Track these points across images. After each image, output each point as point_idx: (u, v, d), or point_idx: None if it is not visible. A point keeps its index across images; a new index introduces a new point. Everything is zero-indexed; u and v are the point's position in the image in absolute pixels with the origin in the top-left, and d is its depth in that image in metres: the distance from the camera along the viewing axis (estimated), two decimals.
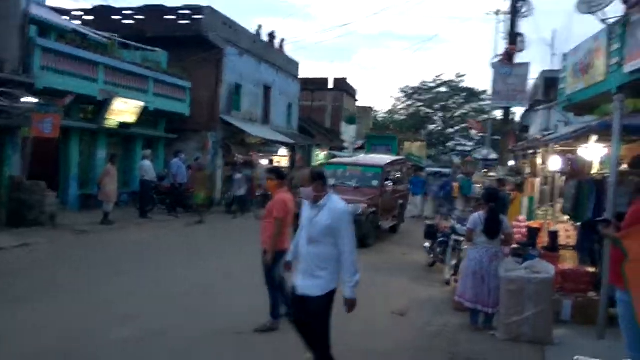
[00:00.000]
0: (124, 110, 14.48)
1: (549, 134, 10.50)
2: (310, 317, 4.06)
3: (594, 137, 6.60)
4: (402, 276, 8.79)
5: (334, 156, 25.05)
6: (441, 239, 8.84)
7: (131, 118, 14.88)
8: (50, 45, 12.33)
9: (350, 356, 5.14)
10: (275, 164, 17.22)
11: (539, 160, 8.95)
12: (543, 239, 7.81)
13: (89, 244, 10.19)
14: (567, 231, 8.20)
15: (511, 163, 13.81)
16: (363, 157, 15.56)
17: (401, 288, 8.02)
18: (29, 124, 10.97)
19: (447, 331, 6.00)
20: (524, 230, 8.13)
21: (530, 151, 9.22)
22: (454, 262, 8.21)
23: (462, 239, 8.22)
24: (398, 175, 14.26)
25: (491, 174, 16.37)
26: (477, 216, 6.10)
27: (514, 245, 6.69)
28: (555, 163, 8.37)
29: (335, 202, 4.00)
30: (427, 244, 9.60)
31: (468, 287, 6.02)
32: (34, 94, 11.44)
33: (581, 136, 6.96)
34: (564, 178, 8.89)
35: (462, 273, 6.24)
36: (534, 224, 8.60)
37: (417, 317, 6.52)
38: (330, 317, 4.08)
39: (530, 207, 9.90)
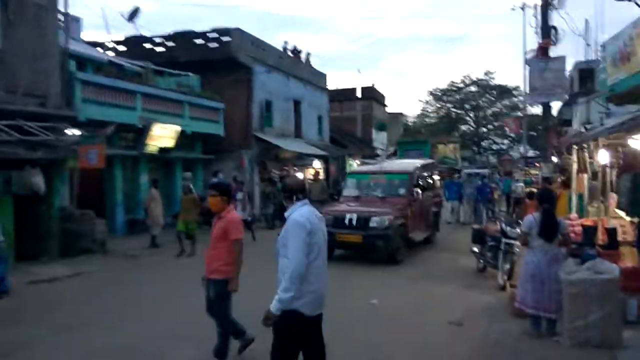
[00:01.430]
0: (162, 135, 14.82)
1: (592, 127, 10.17)
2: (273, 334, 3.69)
3: None
4: (453, 283, 8.62)
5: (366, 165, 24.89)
6: (491, 243, 8.63)
7: (169, 142, 15.20)
8: (89, 78, 12.76)
9: None
10: (318, 176, 16.48)
11: (586, 155, 8.66)
12: (598, 237, 7.51)
13: (140, 268, 10.41)
14: (622, 227, 7.86)
15: (554, 159, 13.39)
16: (388, 164, 14.43)
17: (454, 296, 7.87)
18: (75, 155, 11.33)
19: (507, 339, 5.81)
20: (578, 228, 7.84)
21: (576, 146, 8.92)
22: (507, 266, 8.02)
23: (513, 242, 8.03)
24: (429, 180, 13.17)
25: (533, 171, 15.93)
26: (531, 218, 5.92)
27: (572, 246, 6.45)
28: (604, 156, 8.07)
29: (294, 213, 3.70)
30: (475, 249, 9.40)
31: (528, 292, 5.82)
32: (76, 126, 11.84)
33: (632, 127, 6.70)
34: (615, 172, 8.58)
35: (521, 278, 6.05)
36: (586, 221, 8.29)
37: (475, 326, 6.35)
38: (289, 340, 3.64)
39: (581, 204, 9.57)
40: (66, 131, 11.31)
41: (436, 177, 14.27)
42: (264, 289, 4.36)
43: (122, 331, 6.27)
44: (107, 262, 10.67)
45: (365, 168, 15.09)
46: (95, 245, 11.46)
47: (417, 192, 11.18)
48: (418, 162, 13.45)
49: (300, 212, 3.67)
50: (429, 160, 15.64)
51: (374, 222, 9.98)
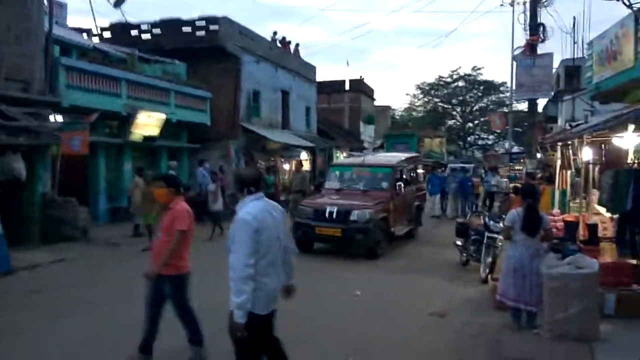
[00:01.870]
0: (147, 123, 14.66)
1: (577, 124, 10.29)
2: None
3: (632, 126, 6.43)
4: (436, 276, 8.69)
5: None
6: (474, 236, 8.71)
7: (155, 131, 15.05)
8: (73, 64, 12.56)
9: None
10: (301, 167, 15.98)
11: (570, 152, 8.77)
12: (579, 233, 7.63)
13: (122, 256, 10.30)
14: (603, 223, 8.00)
15: (539, 156, 13.53)
16: (371, 157, 14.17)
17: (437, 288, 7.93)
18: (58, 142, 11.16)
19: (488, 331, 5.89)
20: (560, 224, 7.95)
21: (561, 143, 9.03)
22: (489, 259, 8.10)
23: (496, 236, 8.11)
24: (412, 174, 13.10)
25: (518, 167, 16.08)
26: (515, 213, 5.98)
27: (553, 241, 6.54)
28: (588, 154, 8.18)
29: (242, 209, 3.53)
30: (459, 242, 9.48)
31: (509, 285, 5.89)
32: (60, 112, 11.66)
33: (616, 125, 6.79)
34: (597, 169, 8.71)
35: (503, 271, 6.11)
36: (568, 217, 8.42)
37: (457, 317, 6.42)
38: (252, 342, 3.53)
39: (563, 200, 9.71)
40: (49, 117, 11.14)
41: (420, 171, 14.39)
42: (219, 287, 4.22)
43: (107, 318, 6.22)
44: (90, 250, 10.56)
45: (348, 160, 14.94)
46: (78, 232, 11.32)
47: (400, 186, 11.07)
48: (402, 156, 13.40)
49: (248, 209, 3.50)
50: (413, 154, 15.42)
51: (354, 216, 9.82)
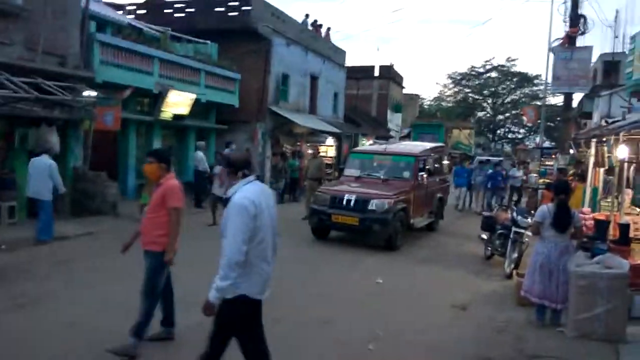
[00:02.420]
0: (177, 102, 14.80)
1: (614, 121, 9.97)
2: (215, 319, 3.48)
3: None
4: (459, 269, 8.62)
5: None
6: (501, 231, 8.59)
7: (184, 110, 15.19)
8: (108, 40, 12.70)
9: (411, 351, 5.11)
10: (318, 153, 15.00)
11: (605, 149, 8.52)
12: (609, 232, 7.44)
13: None
14: (635, 223, 7.78)
15: (572, 151, 13.20)
16: (394, 145, 13.58)
17: (460, 281, 7.87)
18: (91, 117, 11.37)
19: (511, 327, 5.84)
20: (590, 222, 7.77)
21: (595, 139, 8.77)
22: (515, 255, 7.98)
23: (523, 231, 7.99)
24: (436, 165, 12.60)
25: (549, 162, 15.69)
26: (545, 208, 5.89)
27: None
28: (623, 151, 7.94)
29: (237, 194, 3.39)
30: (484, 236, 9.37)
31: (535, 281, 5.82)
32: (93, 87, 11.85)
33: None
34: (632, 168, 8.46)
35: (529, 267, 6.03)
36: (599, 216, 8.21)
37: (479, 311, 6.37)
38: (234, 327, 3.49)
39: (594, 198, 9.46)
40: (83, 92, 11.33)
41: (446, 162, 14.09)
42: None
43: (133, 289, 6.36)
44: (118, 224, 10.77)
45: (369, 148, 14.26)
46: (107, 206, 11.58)
47: (422, 176, 10.74)
48: (426, 145, 13.02)
49: (244, 193, 3.36)
50: (438, 144, 14.96)
51: (372, 205, 9.52)
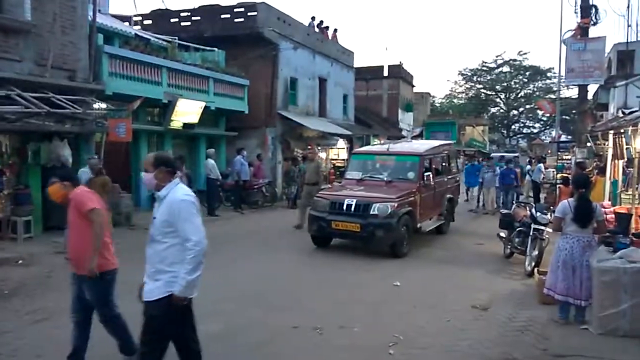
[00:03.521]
0: (187, 111, 14.83)
1: (631, 112, 9.74)
2: (145, 323, 3.51)
3: None
4: (479, 268, 8.46)
5: None
6: (520, 228, 8.41)
7: (194, 118, 15.22)
8: (116, 52, 12.77)
9: (432, 354, 4.98)
10: (314, 155, 14.01)
11: (623, 140, 8.32)
12: (631, 225, 7.24)
13: None
14: None
15: (589, 144, 12.93)
16: (398, 145, 12.76)
17: (480, 281, 7.72)
18: (102, 129, 11.42)
19: (534, 326, 5.69)
20: (611, 216, 7.58)
21: (613, 131, 8.57)
22: (535, 252, 7.81)
23: (543, 228, 7.82)
24: (443, 163, 11.98)
25: (566, 156, 15.38)
26: (566, 203, 5.75)
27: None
28: None
29: (175, 193, 3.42)
30: (502, 234, 9.19)
31: (558, 278, 5.69)
32: (103, 99, 11.91)
33: None
34: None
35: (552, 264, 5.89)
36: (620, 209, 8.01)
37: (501, 311, 6.22)
38: (167, 328, 3.52)
39: (615, 192, 9.25)
40: (94, 105, 11.40)
41: (460, 160, 13.49)
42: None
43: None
44: (133, 235, 10.79)
45: (371, 148, 13.43)
46: (121, 218, 11.61)
47: (428, 177, 10.08)
48: (432, 143, 12.45)
49: (184, 191, 3.47)
50: (446, 142, 14.19)
51: (375, 209, 8.93)
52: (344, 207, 9.16)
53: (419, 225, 9.98)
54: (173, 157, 3.67)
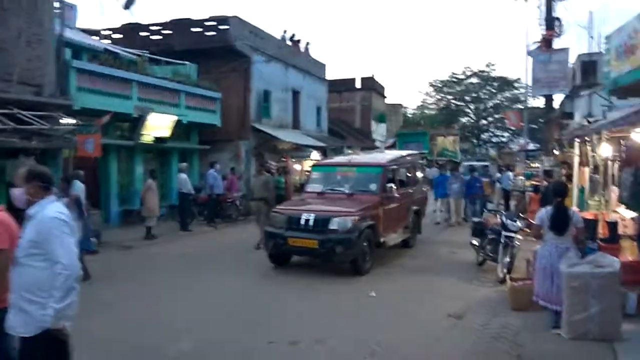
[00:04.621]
0: (158, 125, 14.67)
1: (595, 120, 10.06)
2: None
3: None
4: (452, 276, 8.53)
5: None
6: (491, 236, 8.54)
7: (166, 132, 15.06)
8: (84, 67, 12.58)
9: None
10: (264, 169, 13.24)
11: (588, 148, 8.56)
12: (598, 231, 7.43)
13: (136, 259, 10.30)
14: (623, 220, 7.79)
15: (556, 152, 13.27)
16: (360, 156, 12.23)
17: (453, 289, 7.79)
18: (70, 145, 11.18)
19: (508, 332, 5.76)
20: None
21: (579, 139, 8.81)
22: (506, 259, 7.93)
23: (514, 235, 7.96)
24: (408, 174, 11.40)
25: (535, 165, 15.68)
26: (543, 212, 5.95)
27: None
28: (607, 150, 7.98)
29: (46, 210, 3.06)
30: (475, 242, 9.31)
31: (540, 285, 5.88)
32: (71, 114, 11.68)
33: (636, 121, 6.59)
34: (617, 165, 8.49)
35: (536, 271, 6.11)
36: (587, 215, 8.21)
37: (475, 318, 6.28)
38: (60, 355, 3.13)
39: (582, 198, 9.48)
40: (61, 120, 11.16)
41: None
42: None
43: (115, 323, 6.19)
44: (102, 253, 10.56)
45: (332, 160, 12.81)
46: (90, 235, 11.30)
47: (391, 188, 9.49)
48: (396, 153, 12.01)
49: (58, 209, 3.11)
50: (412, 152, 13.55)
51: (334, 224, 8.39)
52: (302, 222, 8.61)
53: (382, 239, 9.46)
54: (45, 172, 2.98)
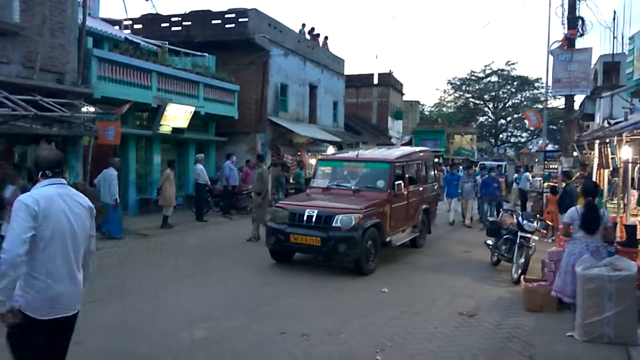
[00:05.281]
0: (176, 115, 14.79)
1: (616, 122, 9.90)
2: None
3: None
4: (466, 275, 8.49)
5: None
6: (507, 236, 8.48)
7: (183, 123, 15.18)
8: (105, 56, 12.73)
9: None
10: (260, 161, 12.56)
11: (608, 150, 8.44)
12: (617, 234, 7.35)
13: (152, 248, 10.43)
14: None
15: (575, 154, 13.09)
16: (369, 151, 11.87)
17: (466, 288, 7.75)
18: (90, 132, 11.35)
19: (520, 333, 5.72)
20: None
21: (598, 141, 8.69)
22: (521, 260, 7.87)
23: (529, 235, 7.91)
24: (419, 172, 10.99)
25: (553, 166, 15.48)
26: (574, 210, 5.99)
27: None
28: (627, 152, 7.87)
29: (29, 192, 3.08)
30: (489, 242, 9.25)
31: (567, 282, 5.86)
32: (92, 103, 11.85)
33: None
34: (637, 168, 8.38)
35: (561, 267, 6.10)
36: None
37: (487, 318, 6.25)
38: (25, 346, 3.01)
39: (600, 200, 9.36)
40: (82, 108, 11.33)
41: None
42: None
43: (131, 309, 6.29)
44: (119, 241, 10.72)
45: (340, 155, 12.42)
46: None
47: (399, 185, 9.17)
48: (406, 150, 11.65)
49: (33, 192, 3.04)
50: (423, 148, 13.12)
51: (337, 221, 8.07)
52: (304, 219, 8.31)
53: (388, 238, 9.10)
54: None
